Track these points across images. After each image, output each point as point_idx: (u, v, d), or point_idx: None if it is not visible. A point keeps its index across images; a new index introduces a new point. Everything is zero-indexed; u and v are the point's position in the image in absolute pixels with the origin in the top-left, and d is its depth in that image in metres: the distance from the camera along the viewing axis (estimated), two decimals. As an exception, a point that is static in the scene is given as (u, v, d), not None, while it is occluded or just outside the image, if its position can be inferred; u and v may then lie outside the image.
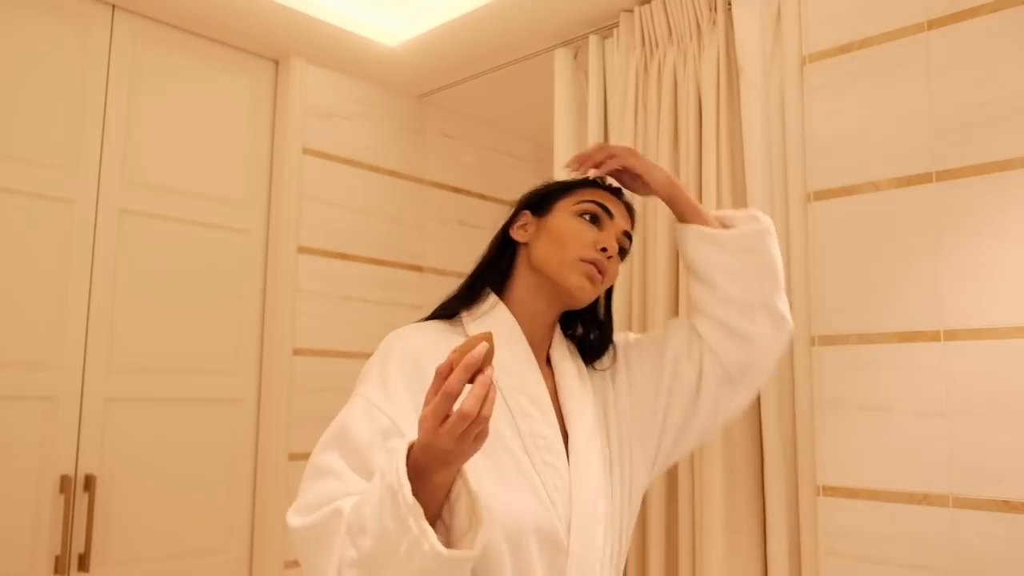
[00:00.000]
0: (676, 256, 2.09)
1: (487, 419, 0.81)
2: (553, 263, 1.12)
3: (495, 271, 1.19)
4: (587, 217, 1.14)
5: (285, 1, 2.31)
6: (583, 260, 1.12)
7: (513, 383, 1.07)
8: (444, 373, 0.81)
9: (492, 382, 0.80)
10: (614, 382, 1.22)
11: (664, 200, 1.27)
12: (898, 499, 1.68)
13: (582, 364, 1.23)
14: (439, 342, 1.08)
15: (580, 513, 1.04)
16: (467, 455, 0.84)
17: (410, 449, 0.86)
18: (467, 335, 1.10)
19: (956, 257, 1.66)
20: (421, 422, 0.83)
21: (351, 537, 0.85)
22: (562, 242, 1.13)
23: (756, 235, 1.22)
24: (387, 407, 1.00)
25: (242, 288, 2.48)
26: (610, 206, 1.16)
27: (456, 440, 0.80)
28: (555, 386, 1.15)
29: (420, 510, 0.82)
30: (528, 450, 1.03)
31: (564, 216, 1.15)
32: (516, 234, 1.19)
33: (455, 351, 0.82)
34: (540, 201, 1.20)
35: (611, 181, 1.27)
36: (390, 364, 1.04)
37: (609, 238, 1.14)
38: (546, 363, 1.18)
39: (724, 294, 1.21)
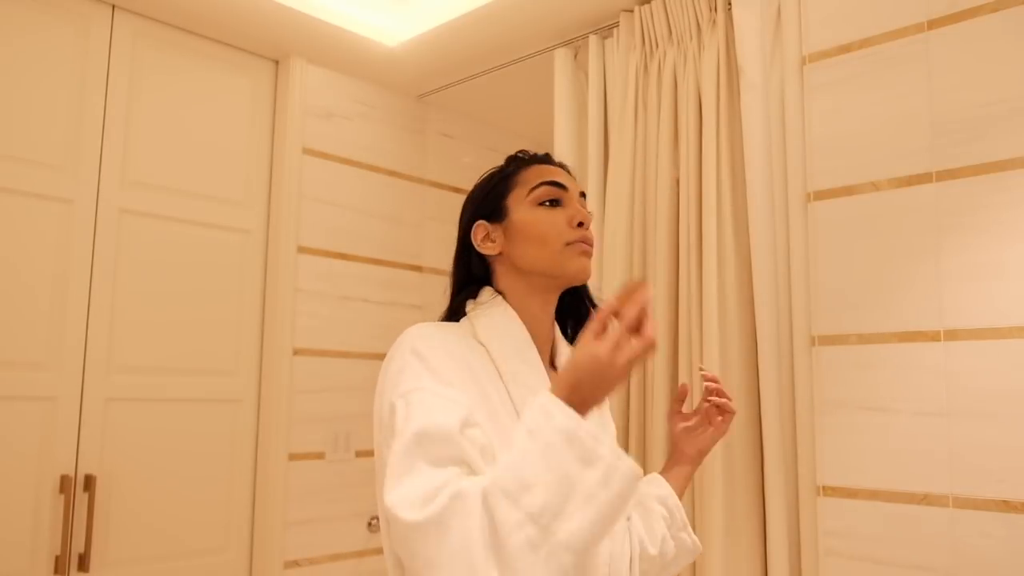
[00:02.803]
0: (677, 248, 2.09)
1: (654, 348, 0.90)
2: (543, 260, 1.10)
3: (472, 287, 1.17)
4: (548, 203, 1.11)
5: (285, 1, 2.31)
6: (569, 243, 1.10)
7: (525, 394, 1.04)
8: (607, 313, 0.89)
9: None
10: None
11: (687, 458, 1.21)
12: (898, 499, 1.68)
13: None
14: (459, 340, 1.06)
15: None
16: (615, 386, 0.90)
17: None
18: (477, 338, 1.09)
19: (956, 257, 1.66)
20: (595, 357, 0.87)
21: (509, 501, 0.83)
22: (541, 238, 1.10)
23: (691, 554, 1.21)
24: (455, 394, 0.97)
25: (242, 288, 2.48)
26: (559, 179, 1.13)
27: (630, 365, 0.87)
28: None
29: (604, 438, 0.86)
30: None
31: (525, 211, 1.12)
32: (485, 248, 1.14)
33: (617, 296, 0.91)
34: (490, 206, 1.15)
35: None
36: (431, 356, 1.00)
37: (577, 210, 1.12)
38: (550, 365, 1.17)
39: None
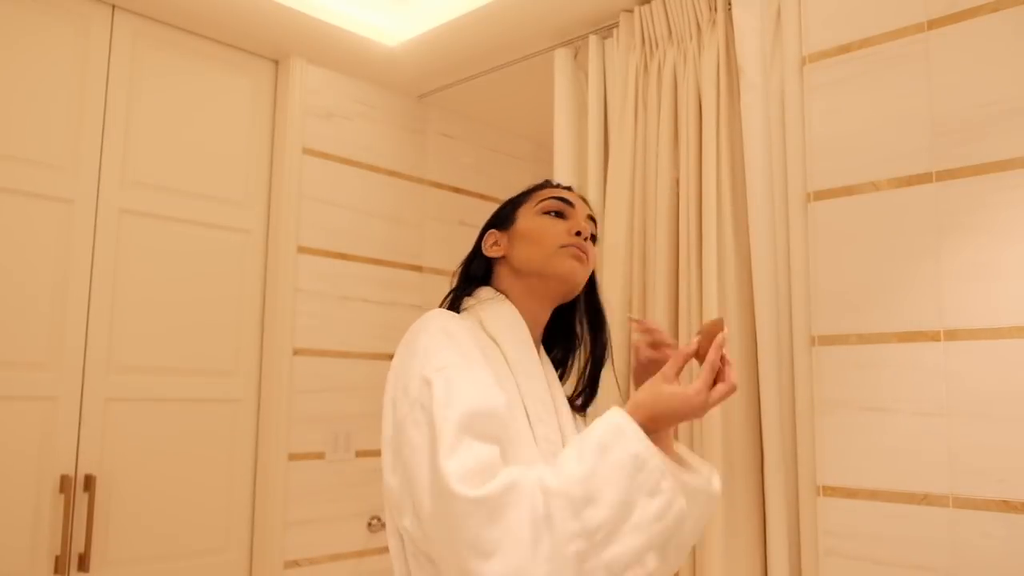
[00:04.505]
0: (677, 248, 2.09)
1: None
2: (537, 259, 1.16)
3: (468, 287, 1.21)
4: (552, 214, 1.18)
5: (285, 1, 2.31)
6: (563, 246, 1.15)
7: (530, 387, 1.09)
8: (687, 354, 0.98)
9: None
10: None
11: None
12: (898, 499, 1.68)
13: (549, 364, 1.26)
14: (472, 329, 1.10)
15: None
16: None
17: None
18: (484, 329, 1.12)
19: (956, 257, 1.66)
20: (686, 398, 0.93)
21: (572, 511, 0.86)
22: (538, 239, 1.16)
23: (712, 500, 1.12)
24: (485, 375, 1.00)
25: (242, 288, 2.48)
26: (569, 198, 1.21)
27: (710, 407, 0.94)
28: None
29: (670, 472, 0.90)
30: (544, 455, 1.05)
31: (530, 218, 1.19)
32: (489, 251, 1.21)
33: (700, 333, 0.98)
34: (502, 217, 1.24)
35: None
36: (460, 338, 1.04)
37: (578, 223, 1.17)
38: None
39: None
